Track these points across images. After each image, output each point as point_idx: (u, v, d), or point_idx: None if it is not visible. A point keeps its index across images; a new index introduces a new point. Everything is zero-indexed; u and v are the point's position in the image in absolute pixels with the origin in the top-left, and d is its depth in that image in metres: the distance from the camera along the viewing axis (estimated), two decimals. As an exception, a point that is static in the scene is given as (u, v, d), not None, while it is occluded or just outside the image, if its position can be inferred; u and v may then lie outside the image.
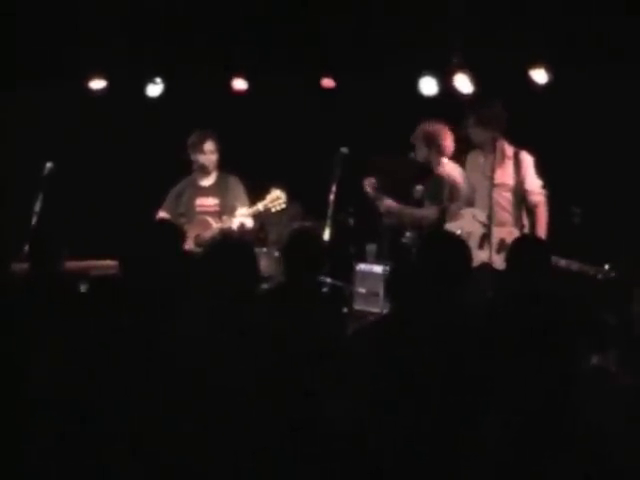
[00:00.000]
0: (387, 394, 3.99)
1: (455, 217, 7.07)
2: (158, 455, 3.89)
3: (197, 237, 7.27)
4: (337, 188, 7.35)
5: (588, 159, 7.47)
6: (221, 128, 7.65)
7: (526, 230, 6.81)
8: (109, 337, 4.12)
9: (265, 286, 6.37)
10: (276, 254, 7.43)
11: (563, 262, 6.30)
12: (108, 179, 8.97)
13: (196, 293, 4.36)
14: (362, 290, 7.63)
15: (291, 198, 7.44)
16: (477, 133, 6.93)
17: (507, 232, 6.68)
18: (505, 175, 6.89)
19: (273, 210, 7.31)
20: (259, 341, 4.09)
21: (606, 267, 6.27)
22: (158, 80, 8.55)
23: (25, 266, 5.56)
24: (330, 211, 7.33)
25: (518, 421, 4.22)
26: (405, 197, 7.42)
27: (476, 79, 7.60)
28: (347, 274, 7.75)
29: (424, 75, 7.82)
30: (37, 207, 7.58)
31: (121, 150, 9.04)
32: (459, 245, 4.41)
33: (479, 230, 6.81)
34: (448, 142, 7.23)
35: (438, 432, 3.89)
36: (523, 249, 4.94)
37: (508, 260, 4.95)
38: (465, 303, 4.36)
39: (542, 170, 6.96)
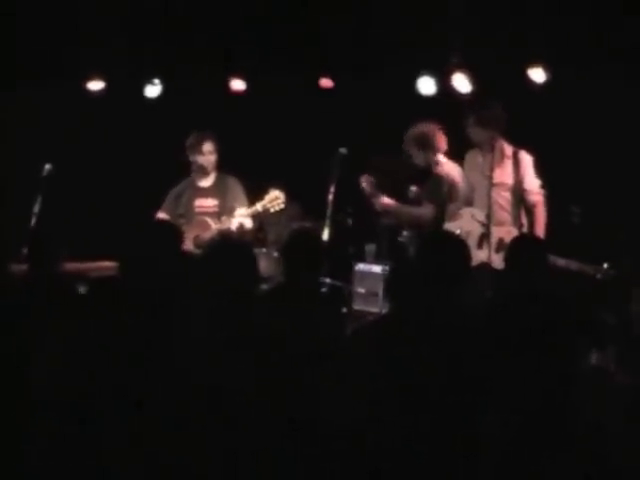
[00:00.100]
0: (386, 394, 3.99)
1: (454, 217, 7.08)
2: (157, 455, 3.89)
3: (196, 238, 7.27)
4: (336, 188, 7.36)
5: (586, 158, 7.47)
6: (219, 129, 7.65)
7: (525, 230, 6.81)
8: (108, 338, 4.12)
9: (264, 286, 6.38)
10: (275, 254, 7.44)
11: (562, 262, 6.31)
12: (107, 180, 8.98)
13: (195, 294, 4.36)
14: (361, 290, 7.64)
15: (290, 198, 7.44)
16: (476, 133, 6.94)
17: (506, 231, 6.68)
18: (504, 174, 6.89)
19: (272, 210, 7.30)
20: (258, 341, 4.09)
21: (605, 266, 6.28)
22: (156, 81, 8.55)
23: (24, 267, 5.56)
24: (329, 211, 7.34)
25: (517, 421, 4.23)
26: (403, 197, 7.44)
27: (474, 78, 7.60)
28: (346, 274, 7.76)
29: (422, 75, 7.82)
30: (36, 208, 7.59)
31: (120, 151, 9.04)
32: (458, 245, 4.41)
33: (478, 229, 6.82)
34: (440, 139, 7.25)
35: (437, 432, 3.89)
36: (521, 248, 4.95)
37: (507, 259, 4.95)
38: (464, 303, 4.36)
39: (541, 169, 6.97)
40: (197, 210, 7.47)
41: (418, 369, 3.97)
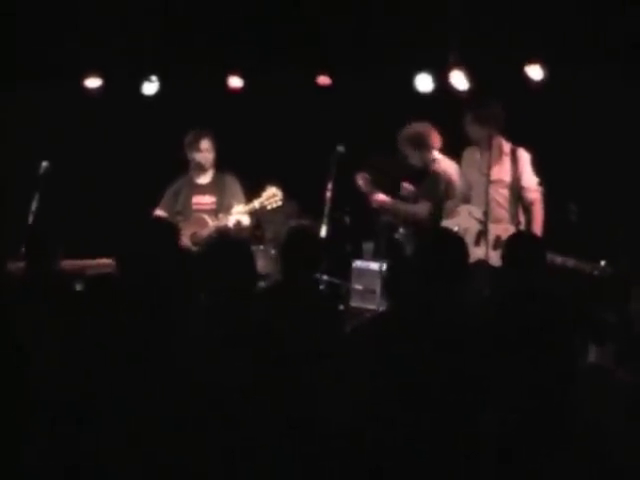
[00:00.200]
0: (384, 392, 3.99)
1: (451, 214, 7.09)
2: (156, 454, 3.89)
3: (193, 235, 7.27)
4: (333, 186, 7.36)
5: (584, 156, 7.47)
6: (217, 126, 7.65)
7: (522, 227, 6.81)
8: (106, 336, 4.12)
9: (262, 284, 6.38)
10: (273, 252, 7.44)
11: (559, 259, 6.31)
12: (104, 178, 8.97)
13: (193, 291, 4.36)
14: (359, 287, 7.65)
15: (287, 196, 7.44)
16: (474, 130, 6.93)
17: (503, 229, 6.68)
18: (502, 172, 6.89)
19: (269, 207, 7.30)
20: (256, 339, 4.09)
21: (602, 264, 6.28)
22: (154, 78, 8.54)
23: (22, 265, 5.56)
24: (327, 209, 7.34)
25: (516, 419, 4.23)
26: (399, 196, 7.45)
27: (472, 76, 7.60)
28: (344, 272, 7.76)
29: (420, 72, 7.82)
30: (33, 206, 7.58)
31: (117, 148, 9.03)
32: (456, 242, 4.41)
33: (475, 227, 6.82)
34: (434, 137, 7.27)
35: (436, 429, 3.89)
36: (519, 246, 4.95)
37: (504, 257, 4.95)
38: (462, 300, 4.36)
39: (538, 167, 6.96)
40: (195, 207, 7.47)
41: (417, 367, 3.97)
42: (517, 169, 6.89)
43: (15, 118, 9.08)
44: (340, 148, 7.41)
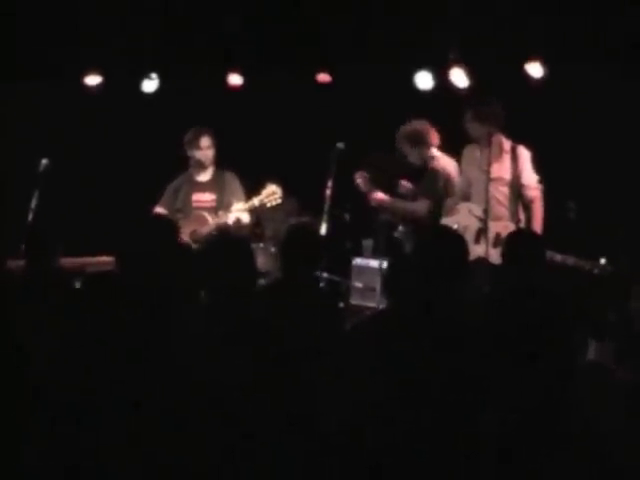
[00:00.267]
0: (384, 389, 3.99)
1: (451, 211, 7.09)
2: (156, 452, 3.89)
3: (193, 232, 7.27)
4: (333, 183, 7.36)
5: (584, 154, 7.47)
6: (217, 123, 7.65)
7: (522, 225, 6.81)
8: (106, 333, 4.12)
9: (262, 282, 6.38)
10: (272, 249, 7.44)
11: (559, 257, 6.31)
12: (104, 175, 8.97)
13: (193, 289, 4.36)
14: (359, 285, 7.65)
15: (287, 193, 7.45)
16: (474, 128, 6.93)
17: (503, 226, 6.68)
18: (502, 169, 6.88)
19: (269, 205, 7.30)
20: (256, 336, 4.09)
21: (602, 262, 6.28)
22: (154, 76, 8.54)
23: (21, 263, 5.56)
24: (326, 206, 7.34)
25: (515, 417, 4.23)
26: (398, 194, 7.45)
27: (472, 73, 7.59)
28: (344, 269, 7.76)
29: (420, 70, 7.82)
30: (33, 204, 7.58)
31: (117, 146, 9.03)
32: (456, 240, 4.41)
33: (475, 224, 6.82)
34: (432, 134, 7.28)
35: (436, 427, 3.89)
36: (518, 243, 4.95)
37: (503, 254, 4.96)
38: (462, 298, 4.36)
39: (538, 164, 6.96)
40: (195, 205, 7.48)
41: (416, 364, 3.97)
42: (517, 167, 6.88)
43: (15, 115, 9.09)
44: (340, 145, 7.41)
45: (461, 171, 7.20)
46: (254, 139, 8.53)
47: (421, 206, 7.25)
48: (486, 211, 6.71)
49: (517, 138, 6.96)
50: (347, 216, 7.70)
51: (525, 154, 6.93)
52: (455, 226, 6.68)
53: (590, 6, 7.12)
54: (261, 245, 7.54)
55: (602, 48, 7.14)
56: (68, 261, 6.03)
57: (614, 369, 5.09)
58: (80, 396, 4.00)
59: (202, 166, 7.53)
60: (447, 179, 7.24)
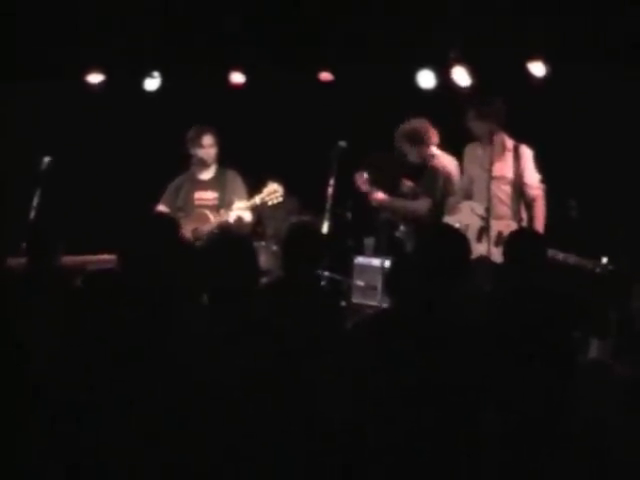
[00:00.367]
0: (386, 388, 3.99)
1: (453, 210, 7.08)
2: (157, 451, 3.89)
3: (195, 231, 7.27)
4: (335, 182, 7.36)
5: (586, 152, 7.46)
6: (219, 122, 7.65)
7: (524, 223, 6.80)
8: (107, 332, 4.11)
9: (263, 280, 6.37)
10: (274, 248, 7.44)
11: (561, 256, 6.30)
12: (106, 173, 8.97)
13: (195, 287, 4.35)
14: (360, 283, 7.64)
15: (289, 192, 7.44)
16: (476, 126, 6.92)
17: (505, 225, 6.67)
18: (504, 168, 6.88)
19: (270, 203, 7.31)
20: (258, 335, 4.09)
21: (604, 261, 6.27)
22: (156, 74, 8.54)
23: (23, 261, 5.56)
24: (328, 205, 7.34)
25: (516, 415, 4.23)
26: (399, 193, 7.45)
27: (474, 72, 7.59)
28: (345, 268, 7.75)
29: (422, 68, 7.82)
30: (35, 202, 7.59)
31: (119, 144, 9.03)
32: (458, 238, 4.40)
33: (477, 223, 6.81)
34: (432, 133, 7.27)
35: (437, 426, 3.89)
36: (519, 242, 4.95)
37: (505, 253, 4.95)
38: (464, 296, 4.36)
39: (540, 163, 6.96)
40: (197, 203, 7.48)
41: (418, 363, 3.97)
42: (519, 166, 6.87)
43: (17, 114, 9.09)
44: (342, 144, 7.41)
45: (463, 169, 7.20)
46: (256, 138, 8.53)
47: (422, 205, 7.25)
48: (488, 210, 6.71)
49: (519, 137, 6.95)
50: (349, 215, 7.70)
51: (528, 153, 6.92)
52: (457, 225, 6.67)
53: (592, 6, 7.11)
54: (262, 243, 7.54)
55: (604, 48, 7.13)
56: (69, 259, 6.02)
57: (614, 366, 5.09)
58: (80, 395, 3.99)
59: (204, 164, 7.53)
60: (447, 177, 7.24)
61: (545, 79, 7.40)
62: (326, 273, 7.31)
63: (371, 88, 8.17)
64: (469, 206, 6.97)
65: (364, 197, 7.43)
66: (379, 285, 7.28)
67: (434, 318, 4.10)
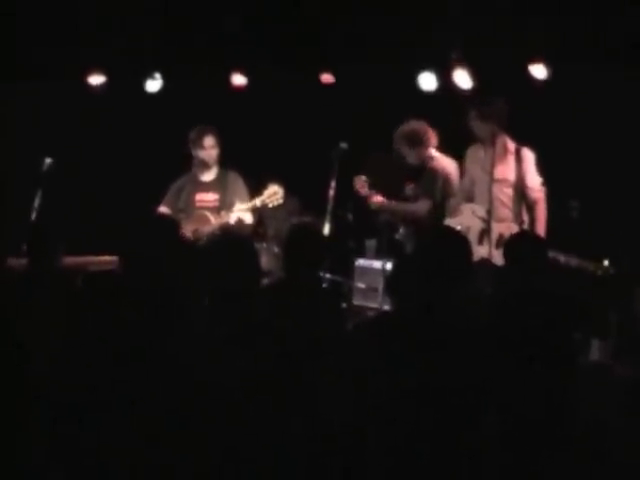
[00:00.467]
0: (387, 390, 3.99)
1: (454, 212, 7.08)
2: (158, 451, 3.89)
3: (195, 232, 7.27)
4: (336, 183, 7.36)
5: (587, 154, 7.46)
6: (220, 123, 7.65)
7: (525, 226, 6.80)
8: (108, 333, 4.11)
9: (265, 281, 6.37)
10: (275, 249, 7.44)
11: (562, 258, 6.30)
12: (107, 175, 8.97)
13: (196, 288, 4.35)
14: (361, 285, 7.63)
15: (290, 193, 7.44)
16: (478, 127, 6.92)
17: (506, 228, 6.67)
18: (506, 170, 6.87)
19: (270, 205, 7.31)
20: (259, 337, 4.09)
21: (606, 263, 6.27)
22: (157, 75, 8.54)
23: (24, 262, 5.56)
24: (329, 206, 7.33)
25: (518, 418, 4.22)
26: (401, 195, 7.44)
27: (475, 75, 7.59)
28: (346, 269, 7.75)
29: (423, 71, 7.82)
30: (36, 203, 7.59)
31: (121, 146, 9.04)
32: (460, 240, 4.40)
33: (478, 225, 6.81)
34: (430, 134, 7.27)
35: (438, 428, 3.89)
36: (519, 245, 4.95)
37: (505, 256, 4.95)
38: (465, 299, 4.36)
39: (541, 165, 6.96)
40: (198, 204, 7.48)
41: (418, 365, 3.97)
42: (522, 168, 6.86)
43: (18, 115, 9.09)
44: (343, 145, 7.41)
45: (464, 171, 7.19)
46: (257, 139, 8.53)
47: (421, 207, 7.25)
48: (489, 212, 6.71)
49: (520, 139, 6.95)
50: (350, 216, 7.70)
51: (530, 156, 6.91)
52: (458, 227, 6.67)
53: (592, 6, 7.11)
54: (264, 245, 7.54)
55: (605, 49, 7.13)
56: (71, 260, 6.02)
57: (615, 368, 5.09)
58: (81, 395, 3.99)
59: (205, 166, 7.53)
60: (446, 179, 7.24)
61: (546, 81, 7.39)
62: (327, 275, 7.30)
63: (372, 90, 8.17)
64: (470, 208, 6.97)
65: (363, 201, 7.43)
66: (380, 287, 7.27)
67: (435, 320, 4.09)
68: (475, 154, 7.07)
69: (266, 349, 4.05)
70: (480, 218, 6.82)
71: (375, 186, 7.41)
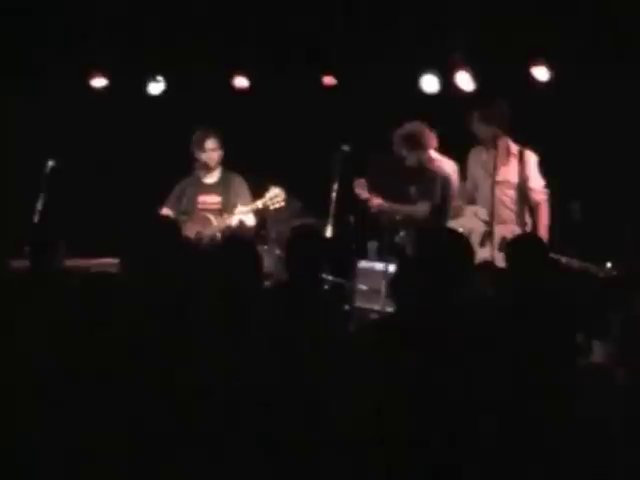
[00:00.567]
0: (388, 393, 3.99)
1: (457, 215, 7.07)
2: (158, 452, 3.89)
3: (197, 234, 7.28)
4: (338, 186, 7.36)
5: (590, 157, 7.45)
6: (223, 126, 7.66)
7: (528, 228, 6.80)
8: (109, 334, 4.12)
9: (267, 284, 6.37)
10: (277, 251, 7.44)
11: (564, 260, 6.30)
12: (110, 177, 8.98)
13: (198, 290, 4.35)
14: (363, 287, 7.63)
15: (292, 195, 7.45)
16: (480, 129, 6.91)
17: (509, 230, 6.67)
18: (509, 173, 6.87)
19: (271, 208, 7.32)
20: (261, 339, 4.09)
21: (608, 265, 6.26)
22: (160, 78, 8.55)
23: (26, 264, 5.56)
24: (332, 209, 7.33)
25: (518, 421, 4.22)
26: (404, 196, 7.44)
27: (477, 77, 7.59)
28: (348, 271, 7.75)
29: (425, 73, 7.82)
30: (39, 205, 7.60)
31: (123, 148, 9.05)
32: (462, 242, 4.40)
33: (481, 228, 6.81)
34: (429, 136, 7.27)
35: (439, 430, 3.89)
36: (521, 247, 4.95)
37: (507, 258, 4.95)
38: (467, 301, 4.35)
39: (544, 167, 6.95)
40: (200, 206, 7.49)
41: (421, 368, 3.97)
42: (524, 170, 6.86)
43: (21, 117, 9.10)
44: (345, 148, 7.40)
45: (467, 173, 7.19)
46: (259, 141, 8.54)
47: (421, 209, 7.25)
48: (492, 214, 6.71)
49: (522, 141, 6.95)
50: (352, 218, 7.69)
51: (532, 158, 6.91)
52: (460, 229, 6.66)
53: (594, 7, 7.10)
54: (265, 247, 7.54)
55: (607, 50, 7.13)
56: (72, 262, 6.03)
57: (617, 370, 5.08)
58: (81, 397, 4.00)
59: (207, 168, 7.55)
60: (445, 181, 7.24)
61: (548, 83, 7.39)
62: (329, 277, 7.30)
63: (374, 92, 8.17)
64: (473, 210, 6.97)
65: (364, 205, 7.43)
66: (382, 289, 7.27)
67: (437, 323, 4.09)
68: (477, 156, 7.07)
69: (267, 352, 4.05)
70: (482, 220, 6.82)
71: (378, 188, 7.41)
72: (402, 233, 7.39)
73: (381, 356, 4.06)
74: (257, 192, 7.39)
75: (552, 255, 5.34)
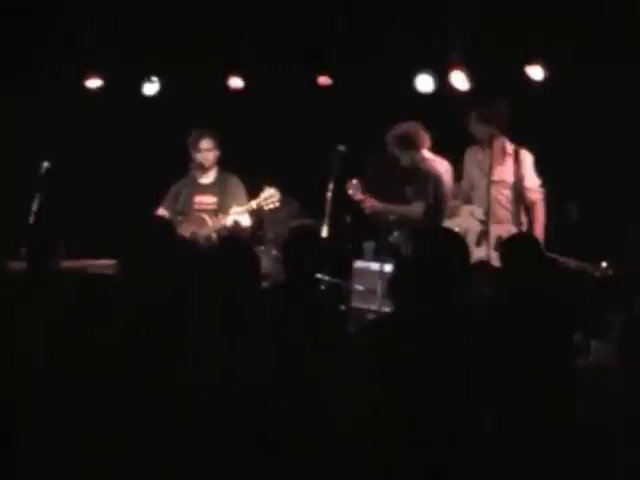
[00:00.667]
0: (386, 393, 3.99)
1: (453, 214, 7.08)
2: (158, 452, 3.89)
3: (192, 234, 7.28)
4: (334, 186, 7.36)
5: (585, 156, 7.46)
6: (218, 126, 7.66)
7: (524, 228, 6.80)
8: (107, 335, 4.11)
9: (264, 284, 6.37)
10: (274, 252, 7.44)
11: (561, 260, 6.30)
12: (105, 178, 8.97)
13: (195, 291, 4.35)
14: (360, 287, 7.63)
15: (288, 196, 7.45)
16: (478, 129, 6.92)
17: (505, 229, 6.67)
18: (504, 172, 6.88)
19: (266, 208, 7.33)
20: (258, 340, 4.09)
21: (604, 265, 6.27)
22: (154, 78, 8.54)
23: (22, 265, 5.56)
24: (328, 209, 7.34)
25: (517, 421, 4.22)
26: (400, 196, 7.44)
27: (473, 76, 7.59)
28: (345, 272, 7.75)
29: (420, 72, 7.82)
30: (34, 206, 7.59)
31: (118, 149, 9.04)
32: (458, 242, 4.40)
33: (477, 227, 6.81)
34: (422, 136, 7.27)
35: (438, 430, 3.89)
36: (516, 246, 4.95)
37: (501, 258, 4.96)
38: (465, 301, 4.35)
39: (539, 167, 6.96)
40: (196, 207, 7.49)
41: (418, 368, 3.97)
42: (520, 170, 6.87)
43: (16, 118, 9.09)
44: (341, 148, 7.41)
45: (463, 173, 7.19)
46: (255, 142, 8.53)
47: (415, 209, 7.26)
48: (488, 214, 6.71)
49: (518, 140, 6.95)
50: (348, 218, 7.69)
51: (528, 157, 6.92)
52: (456, 229, 6.67)
53: (590, 7, 7.11)
54: (262, 248, 7.54)
55: (604, 49, 7.14)
56: (69, 264, 6.02)
57: (615, 370, 5.09)
58: (80, 398, 3.99)
59: (203, 168, 7.54)
60: (438, 180, 7.25)
61: (543, 82, 7.40)
62: (326, 277, 7.30)
63: (370, 92, 8.17)
64: (469, 210, 6.97)
65: (358, 206, 7.43)
66: (379, 289, 7.27)
67: (435, 323, 4.09)
68: (473, 156, 7.07)
69: (264, 352, 4.05)
70: (478, 220, 6.82)
71: (376, 188, 7.41)
72: (396, 233, 7.39)
73: (379, 356, 4.06)
74: (253, 193, 7.39)
75: (548, 254, 5.34)
